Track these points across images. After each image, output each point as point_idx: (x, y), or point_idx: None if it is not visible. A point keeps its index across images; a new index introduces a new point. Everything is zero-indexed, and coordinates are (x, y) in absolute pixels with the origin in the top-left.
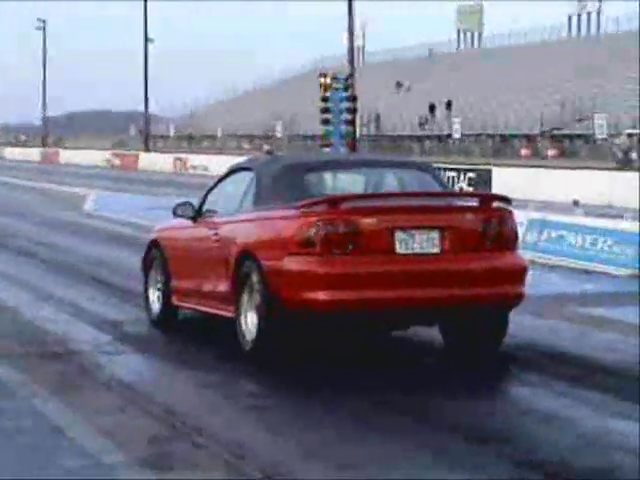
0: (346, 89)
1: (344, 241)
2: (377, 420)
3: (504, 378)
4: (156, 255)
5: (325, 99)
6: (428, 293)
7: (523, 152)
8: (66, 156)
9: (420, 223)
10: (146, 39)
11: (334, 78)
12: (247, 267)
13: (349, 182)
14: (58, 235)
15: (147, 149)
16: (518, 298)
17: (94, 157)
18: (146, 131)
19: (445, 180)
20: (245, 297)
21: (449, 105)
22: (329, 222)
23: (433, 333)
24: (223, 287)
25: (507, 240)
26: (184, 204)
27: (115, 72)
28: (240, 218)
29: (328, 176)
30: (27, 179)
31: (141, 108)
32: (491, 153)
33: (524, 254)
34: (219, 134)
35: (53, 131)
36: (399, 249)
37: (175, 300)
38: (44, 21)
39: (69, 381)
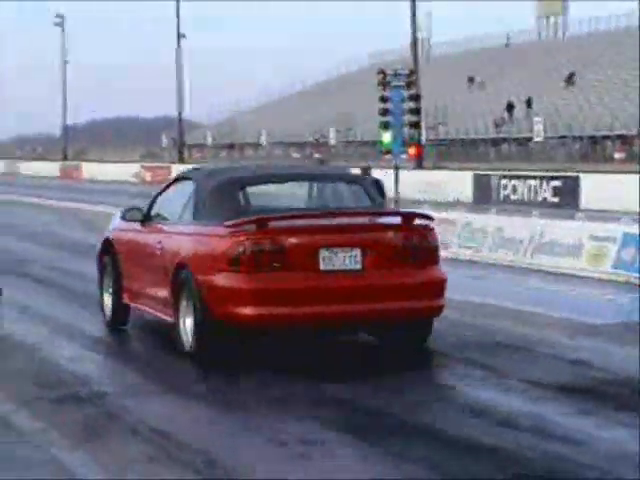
0: (409, 86)
1: (270, 259)
2: None
3: (595, 419)
4: (109, 254)
5: (384, 99)
6: (351, 308)
7: (617, 156)
8: (89, 170)
9: (343, 242)
10: (178, 35)
11: (395, 74)
12: (184, 277)
13: (280, 197)
14: (80, 260)
15: (182, 160)
16: (438, 310)
17: (121, 170)
18: (180, 140)
19: (382, 192)
20: (183, 303)
21: (529, 103)
22: (256, 241)
23: None
24: (164, 292)
25: (427, 255)
26: (132, 209)
27: (143, 74)
28: (180, 230)
29: (260, 191)
30: (46, 197)
31: (173, 114)
32: (579, 158)
33: (617, 273)
34: (264, 142)
35: (74, 142)
36: (323, 266)
37: (125, 298)
38: (62, 17)
39: (92, 427)
